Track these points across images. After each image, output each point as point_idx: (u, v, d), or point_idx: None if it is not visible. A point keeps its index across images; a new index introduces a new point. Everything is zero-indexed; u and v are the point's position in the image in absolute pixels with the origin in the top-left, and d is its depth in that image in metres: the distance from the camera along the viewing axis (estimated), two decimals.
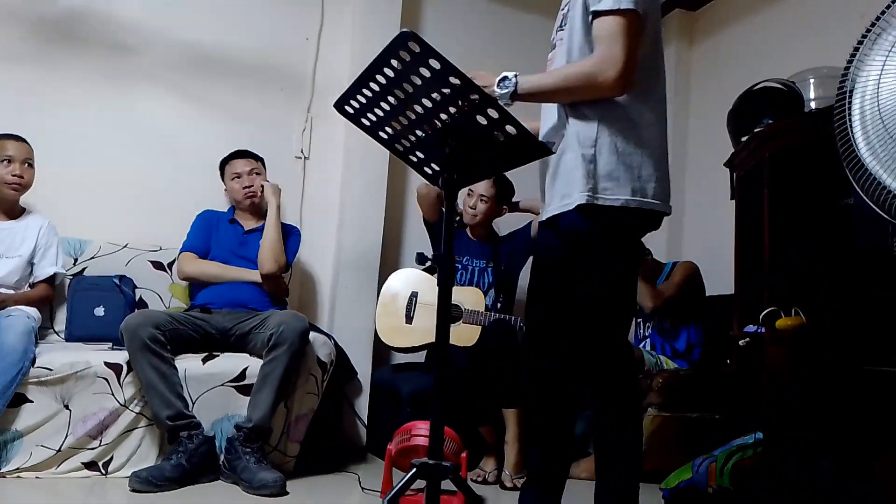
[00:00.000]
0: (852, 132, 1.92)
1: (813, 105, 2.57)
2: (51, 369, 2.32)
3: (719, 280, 3.11)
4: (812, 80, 2.62)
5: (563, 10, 1.81)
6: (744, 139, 2.62)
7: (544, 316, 1.85)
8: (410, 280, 3.09)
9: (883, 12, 1.89)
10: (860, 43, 1.94)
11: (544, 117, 1.87)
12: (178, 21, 3.30)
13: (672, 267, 3.27)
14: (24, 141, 2.70)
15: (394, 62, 1.37)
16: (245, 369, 2.51)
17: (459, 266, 3.15)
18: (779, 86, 2.57)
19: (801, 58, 2.94)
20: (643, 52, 1.67)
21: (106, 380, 2.37)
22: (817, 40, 3.18)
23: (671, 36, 4.12)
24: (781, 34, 3.46)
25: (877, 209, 1.86)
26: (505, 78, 1.66)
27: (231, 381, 2.50)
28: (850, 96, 1.93)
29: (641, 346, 3.23)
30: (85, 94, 3.12)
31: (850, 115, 1.93)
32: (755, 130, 2.51)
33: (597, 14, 1.65)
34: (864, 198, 1.89)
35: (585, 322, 1.72)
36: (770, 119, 2.50)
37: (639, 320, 3.35)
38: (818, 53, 2.89)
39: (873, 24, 1.90)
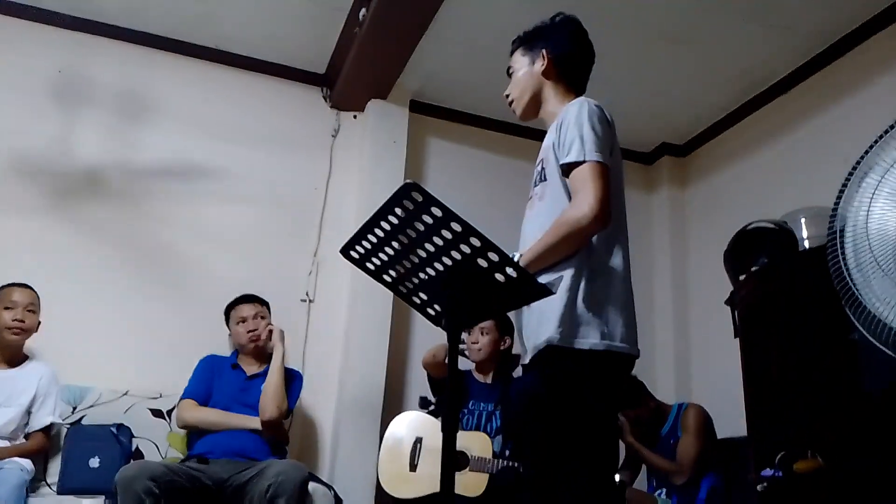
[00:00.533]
0: (847, 271, 1.95)
1: (806, 244, 2.63)
2: None
3: (730, 420, 3.03)
4: (803, 220, 2.70)
5: (538, 165, 1.91)
6: (742, 278, 2.66)
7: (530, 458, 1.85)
8: (415, 424, 3.00)
9: (863, 157, 1.99)
10: (845, 184, 2.03)
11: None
12: (188, 171, 3.47)
13: (678, 411, 3.16)
14: (29, 288, 2.75)
15: (398, 210, 1.42)
16: None
17: (465, 410, 3.06)
18: (771, 225, 2.65)
19: (791, 198, 3.05)
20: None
21: None
22: (805, 181, 3.30)
23: (663, 181, 4.30)
24: (770, 176, 3.61)
25: (878, 345, 1.86)
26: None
27: None
28: (842, 235, 1.99)
29: (656, 494, 3.08)
30: (91, 242, 3.22)
31: (843, 253, 1.97)
32: (752, 269, 2.56)
33: (567, 167, 1.76)
34: (867, 335, 1.89)
35: (565, 465, 1.69)
36: (765, 258, 2.55)
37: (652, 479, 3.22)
38: (807, 194, 3.00)
39: (855, 167, 1.99)
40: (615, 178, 1.80)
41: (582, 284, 1.72)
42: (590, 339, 1.68)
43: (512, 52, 2.04)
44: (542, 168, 1.86)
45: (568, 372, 1.69)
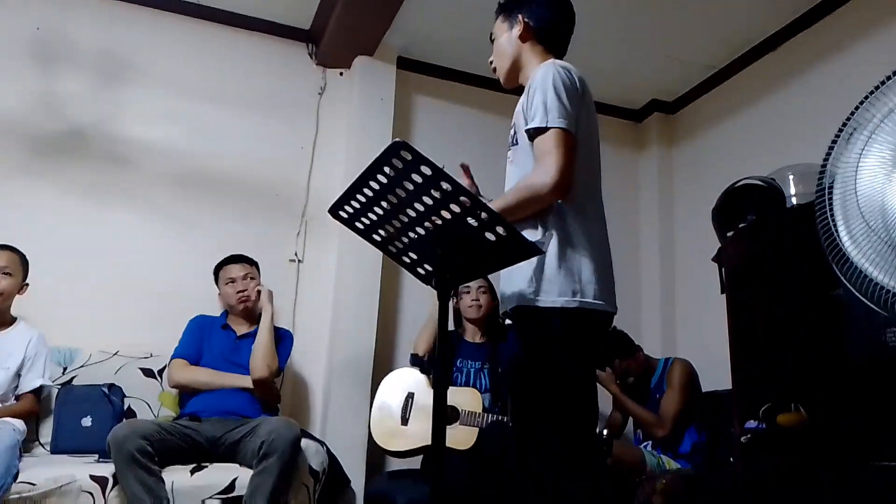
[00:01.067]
0: (835, 227, 1.96)
1: (794, 200, 2.65)
2: (34, 484, 2.24)
3: (715, 375, 3.08)
4: (791, 177, 2.71)
5: (510, 131, 1.92)
6: (729, 235, 2.67)
7: (517, 416, 1.88)
8: (407, 381, 3.05)
9: (853, 113, 1.99)
10: (834, 142, 2.02)
11: None
12: (175, 131, 3.42)
13: (665, 365, 3.22)
14: (7, 249, 2.70)
15: (387, 169, 1.42)
16: (234, 480, 2.43)
17: (454, 368, 3.11)
18: (760, 183, 2.65)
19: (779, 156, 3.06)
20: (577, 169, 1.76)
21: (91, 494, 2.28)
22: (793, 139, 3.31)
23: (652, 138, 4.28)
24: (758, 134, 3.61)
25: (866, 301, 1.88)
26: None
27: (220, 492, 2.41)
28: (831, 192, 2.00)
29: (642, 446, 3.15)
30: (76, 203, 3.19)
31: (831, 210, 1.98)
32: (740, 226, 2.57)
33: (532, 132, 1.76)
34: (853, 290, 1.91)
35: (546, 422, 1.72)
36: (753, 215, 2.56)
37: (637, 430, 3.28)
38: (795, 151, 3.01)
39: (845, 124, 1.99)
40: (585, 144, 1.80)
41: (553, 244, 1.74)
42: (561, 297, 1.71)
43: (495, 20, 2.05)
44: (514, 133, 1.88)
45: (539, 330, 1.72)
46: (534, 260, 1.71)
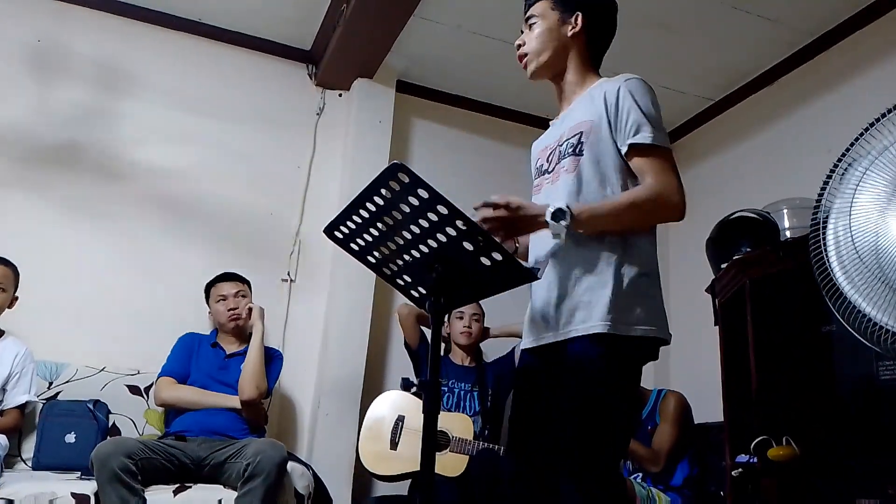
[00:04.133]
0: (829, 261, 1.97)
1: (788, 234, 2.66)
2: (14, 501, 2.19)
3: (707, 407, 3.07)
4: (786, 211, 2.73)
5: (572, 137, 1.76)
6: (723, 266, 2.68)
7: (537, 447, 1.75)
8: (397, 403, 3.02)
9: (848, 149, 2.00)
10: (829, 177, 2.04)
11: (537, 241, 1.82)
12: (171, 147, 3.42)
13: (658, 396, 3.19)
14: (2, 263, 2.68)
15: (384, 191, 1.41)
16: (219, 502, 2.38)
17: (445, 389, 3.10)
18: (754, 215, 2.66)
19: (774, 189, 3.07)
20: None
21: None
22: (788, 173, 3.33)
23: None
24: (753, 167, 3.63)
25: (858, 336, 1.88)
26: (560, 210, 1.57)
27: None
28: (824, 227, 2.00)
29: (632, 477, 3.11)
30: (68, 217, 3.17)
31: (825, 245, 1.99)
32: (734, 258, 2.58)
33: (639, 150, 1.66)
34: (846, 326, 1.91)
35: (589, 455, 1.62)
36: (748, 247, 2.57)
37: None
38: (790, 185, 3.03)
39: (840, 159, 2.00)
40: None
41: (632, 267, 1.66)
42: (640, 325, 1.63)
43: (534, 1, 1.85)
44: (580, 141, 1.73)
45: (618, 358, 1.62)
46: (610, 285, 1.62)
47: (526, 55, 1.84)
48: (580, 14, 1.81)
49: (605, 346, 1.61)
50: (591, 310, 1.63)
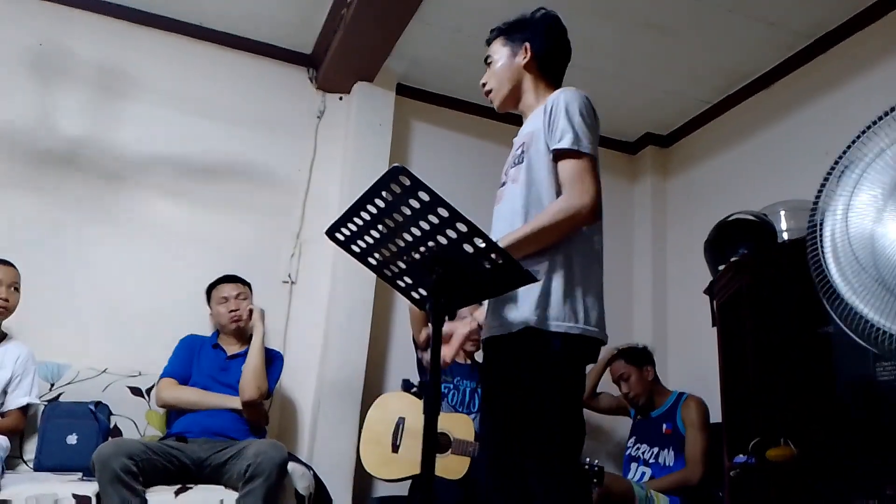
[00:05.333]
0: (826, 263, 1.98)
1: (785, 236, 2.67)
2: (14, 502, 2.20)
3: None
4: (783, 213, 2.74)
5: (517, 149, 1.93)
6: (721, 268, 2.69)
7: (495, 437, 1.85)
8: (398, 405, 3.02)
9: (845, 151, 2.02)
10: (826, 179, 2.05)
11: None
12: (169, 149, 3.43)
13: (678, 400, 3.16)
14: (11, 265, 2.71)
15: (385, 193, 1.43)
16: (220, 502, 2.39)
17: (451, 386, 3.10)
18: (752, 217, 2.68)
19: (771, 191, 3.08)
20: None
21: None
22: (786, 175, 3.35)
23: (646, 170, 4.32)
24: (751, 169, 3.64)
25: (856, 338, 1.89)
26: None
27: None
28: (822, 229, 2.02)
29: (632, 479, 3.12)
30: (69, 219, 3.18)
31: (822, 246, 2.00)
32: (732, 260, 2.59)
33: (560, 154, 1.79)
34: (844, 327, 1.92)
35: (534, 444, 1.73)
36: (745, 249, 2.58)
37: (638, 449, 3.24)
38: (787, 187, 3.04)
39: (837, 161, 2.02)
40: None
41: (561, 269, 1.76)
42: (566, 321, 1.73)
43: (490, 42, 2.06)
44: (522, 152, 1.88)
45: (543, 353, 1.72)
46: (540, 282, 1.72)
47: (490, 91, 2.04)
48: (528, 44, 1.97)
49: (537, 343, 1.72)
50: (518, 307, 1.75)
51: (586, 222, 1.77)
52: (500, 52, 2.02)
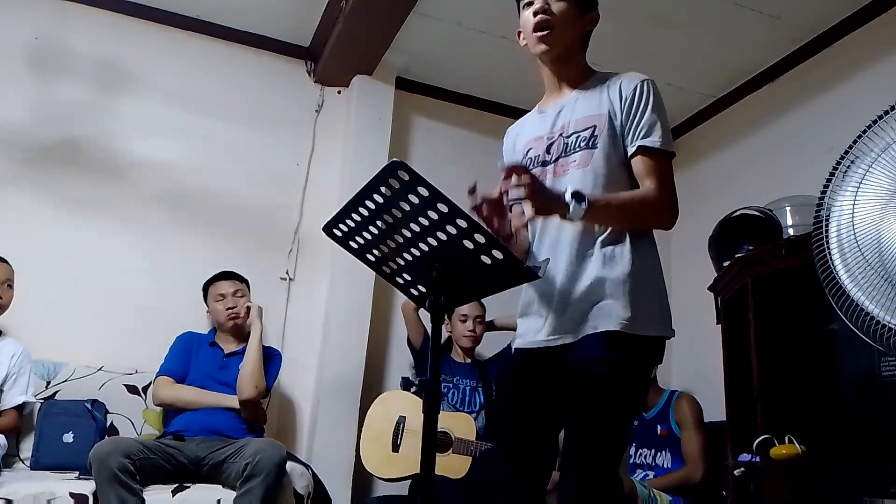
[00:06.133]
0: (831, 260, 1.95)
1: (790, 232, 2.65)
2: (12, 500, 2.19)
3: (710, 406, 3.05)
4: (788, 208, 2.71)
5: (583, 129, 1.73)
6: (726, 264, 2.66)
7: (534, 442, 1.73)
8: (398, 404, 3.00)
9: (851, 146, 1.99)
10: (832, 174, 2.02)
11: (543, 239, 1.78)
12: (169, 145, 3.40)
13: (670, 398, 3.13)
14: (4, 262, 2.68)
15: (383, 189, 1.39)
16: (218, 502, 2.37)
17: (451, 385, 3.09)
18: (756, 213, 2.65)
19: (776, 186, 3.06)
20: None
21: None
22: (791, 170, 3.31)
23: None
24: (755, 164, 3.61)
25: (861, 335, 1.87)
26: (578, 193, 1.53)
27: None
28: (827, 225, 1.99)
29: (635, 477, 3.10)
30: (65, 215, 3.15)
31: (828, 243, 1.97)
32: (736, 256, 2.56)
33: (647, 151, 1.67)
34: (849, 324, 1.89)
35: (594, 454, 1.61)
36: (750, 245, 2.55)
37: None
38: (792, 182, 3.01)
39: (843, 156, 1.99)
40: None
41: (650, 272, 1.69)
42: (654, 326, 1.65)
43: None
44: (594, 135, 1.70)
45: (632, 358, 1.63)
46: (626, 285, 1.63)
47: (550, 25, 1.71)
48: (594, 11, 1.80)
49: (621, 347, 1.60)
50: (608, 309, 1.62)
51: (665, 226, 1.69)
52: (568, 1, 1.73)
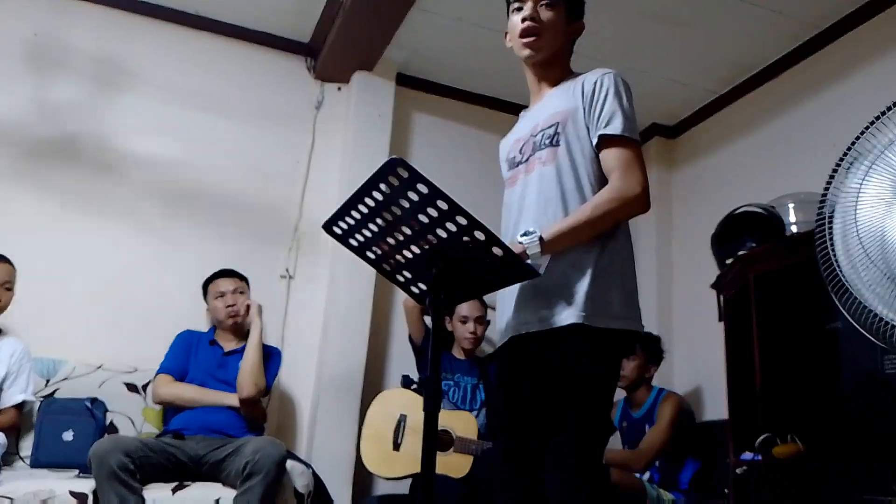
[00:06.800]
0: (835, 257, 1.94)
1: (794, 229, 2.63)
2: (12, 499, 2.18)
3: (712, 405, 3.05)
4: (791, 205, 2.70)
5: (547, 127, 1.78)
6: (728, 262, 2.65)
7: (521, 438, 1.75)
8: (399, 402, 2.98)
9: (854, 142, 1.97)
10: (835, 171, 2.01)
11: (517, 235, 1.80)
12: (169, 142, 3.39)
13: (657, 396, 3.13)
14: (5, 262, 2.67)
15: (383, 186, 1.39)
16: (217, 500, 2.37)
17: (452, 383, 3.08)
18: (759, 210, 2.64)
19: (779, 183, 3.04)
20: None
21: None
22: (793, 167, 3.30)
23: (651, 162, 4.26)
24: (758, 161, 3.59)
25: (866, 333, 1.86)
26: (525, 233, 1.62)
27: None
28: (831, 222, 1.97)
29: (642, 477, 3.08)
30: (64, 212, 3.14)
31: (831, 240, 1.96)
32: (739, 253, 2.55)
33: (609, 140, 1.69)
34: (853, 322, 1.88)
35: (573, 447, 1.63)
36: (753, 242, 2.54)
37: None
38: (795, 179, 2.99)
39: (846, 153, 1.97)
40: None
41: (609, 261, 1.68)
42: (617, 318, 1.66)
43: None
44: (556, 132, 1.75)
45: (592, 350, 1.64)
46: (588, 277, 1.64)
47: (538, 32, 1.77)
48: (581, 20, 1.86)
49: (584, 339, 1.64)
50: (569, 301, 1.65)
51: (639, 212, 1.69)
52: (559, 6, 1.79)
